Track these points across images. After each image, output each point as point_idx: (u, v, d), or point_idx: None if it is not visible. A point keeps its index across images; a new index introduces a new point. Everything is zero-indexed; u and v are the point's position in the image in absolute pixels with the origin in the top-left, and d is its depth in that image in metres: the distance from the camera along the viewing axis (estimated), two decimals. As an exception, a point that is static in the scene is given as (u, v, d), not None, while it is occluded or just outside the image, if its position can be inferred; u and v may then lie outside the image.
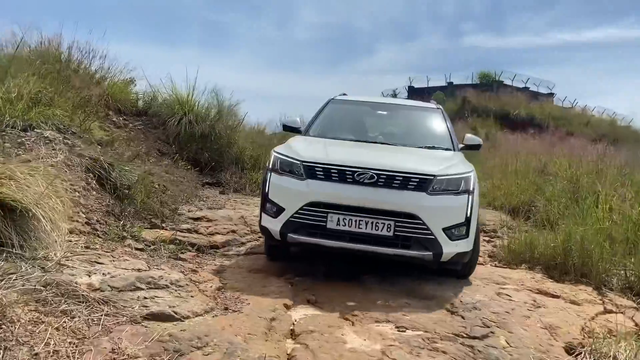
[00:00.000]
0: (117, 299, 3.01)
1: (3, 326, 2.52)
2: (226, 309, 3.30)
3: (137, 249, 4.15)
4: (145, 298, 3.10)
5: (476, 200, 4.26)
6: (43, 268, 3.06)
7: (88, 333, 2.67)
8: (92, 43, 9.43)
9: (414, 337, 3.11)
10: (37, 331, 2.58)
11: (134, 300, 3.05)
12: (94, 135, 7.22)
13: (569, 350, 3.22)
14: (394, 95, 45.21)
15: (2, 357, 2.38)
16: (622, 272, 4.84)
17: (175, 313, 3.00)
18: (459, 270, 4.47)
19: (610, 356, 2.99)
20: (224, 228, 5.62)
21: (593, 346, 3.15)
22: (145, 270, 3.53)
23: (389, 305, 3.71)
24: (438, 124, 5.69)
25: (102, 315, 2.81)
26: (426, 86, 44.76)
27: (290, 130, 5.57)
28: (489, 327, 3.39)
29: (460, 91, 39.31)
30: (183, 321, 2.96)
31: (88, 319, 2.76)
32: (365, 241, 3.93)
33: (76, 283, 2.98)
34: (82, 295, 2.89)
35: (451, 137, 5.38)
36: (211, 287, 3.66)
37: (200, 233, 5.25)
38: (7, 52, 8.23)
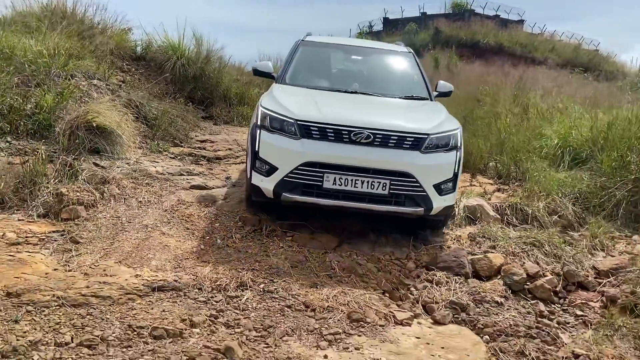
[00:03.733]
0: (173, 178, 5.37)
1: (121, 189, 4.83)
2: (234, 185, 5.64)
3: (171, 157, 6.41)
4: (187, 179, 5.46)
5: (462, 155, 4.42)
6: (128, 163, 5.34)
7: (162, 194, 5.00)
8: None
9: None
10: (136, 192, 4.90)
11: (182, 180, 5.41)
12: (113, 81, 9.24)
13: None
14: (370, 27, 46.31)
15: (125, 203, 4.69)
16: (492, 164, 7.27)
17: (207, 186, 5.36)
18: (442, 221, 4.64)
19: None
20: (223, 147, 7.86)
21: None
22: (183, 167, 5.85)
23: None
24: (412, 71, 5.80)
25: (167, 185, 5.15)
26: (400, 17, 45.58)
27: (262, 75, 5.58)
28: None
29: (433, 21, 40.37)
30: (211, 189, 5.32)
31: (161, 187, 5.10)
32: (360, 199, 4.07)
33: (149, 170, 5.28)
34: (155, 176, 5.22)
35: (427, 86, 5.53)
36: (222, 176, 5.97)
37: (208, 150, 7.49)
38: (31, 10, 10.06)
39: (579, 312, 3.58)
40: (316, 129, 4.08)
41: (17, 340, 2.61)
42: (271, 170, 4.13)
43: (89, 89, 6.94)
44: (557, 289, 3.85)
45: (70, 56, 8.29)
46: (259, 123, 4.29)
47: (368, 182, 4.02)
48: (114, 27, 11.93)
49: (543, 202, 5.48)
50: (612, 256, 4.33)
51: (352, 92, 5.15)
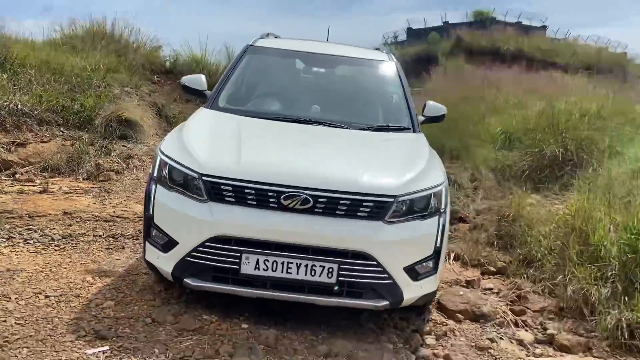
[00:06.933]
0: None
1: (141, 162, 6.64)
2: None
3: (183, 145, 8.24)
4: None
5: (447, 219, 3.21)
6: (147, 146, 7.19)
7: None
8: (127, 19, 13.26)
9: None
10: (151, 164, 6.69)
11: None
12: (143, 90, 11.22)
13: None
14: (395, 38, 47.89)
15: (143, 171, 6.49)
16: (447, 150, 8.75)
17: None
18: (420, 306, 3.43)
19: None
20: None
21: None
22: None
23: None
24: (392, 88, 4.47)
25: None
26: (423, 27, 46.93)
27: (193, 93, 4.28)
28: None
29: (456, 30, 41.49)
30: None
31: (170, 162, 6.88)
32: (298, 289, 2.93)
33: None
34: (166, 154, 7.02)
35: (409, 109, 4.16)
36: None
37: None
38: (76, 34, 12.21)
39: (448, 234, 5.12)
40: (229, 188, 2.92)
41: (71, 232, 4.40)
42: (169, 244, 2.99)
43: (121, 94, 8.86)
44: (443, 222, 5.39)
45: (108, 70, 10.30)
46: (155, 174, 3.15)
47: (306, 266, 2.87)
48: (146, 45, 14.08)
49: (469, 172, 6.98)
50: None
51: (304, 122, 3.80)
